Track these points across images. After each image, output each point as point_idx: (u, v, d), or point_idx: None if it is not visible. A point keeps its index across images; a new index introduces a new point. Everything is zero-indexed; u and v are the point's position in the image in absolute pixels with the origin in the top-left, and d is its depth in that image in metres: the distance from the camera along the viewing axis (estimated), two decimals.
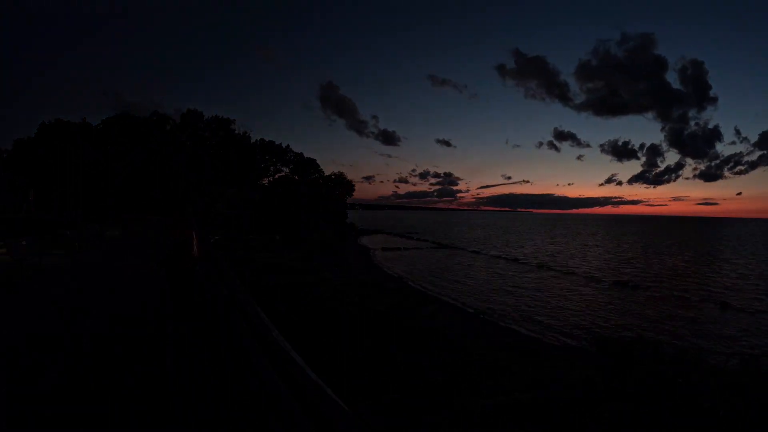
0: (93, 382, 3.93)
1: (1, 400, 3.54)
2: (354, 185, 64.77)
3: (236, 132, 56.40)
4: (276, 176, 58.80)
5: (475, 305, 18.19)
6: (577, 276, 28.06)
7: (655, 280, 26.47)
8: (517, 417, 5.57)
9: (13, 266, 10.02)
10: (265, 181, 58.38)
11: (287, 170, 60.28)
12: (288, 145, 60.37)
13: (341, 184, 63.25)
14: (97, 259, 13.40)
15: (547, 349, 12.03)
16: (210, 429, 3.04)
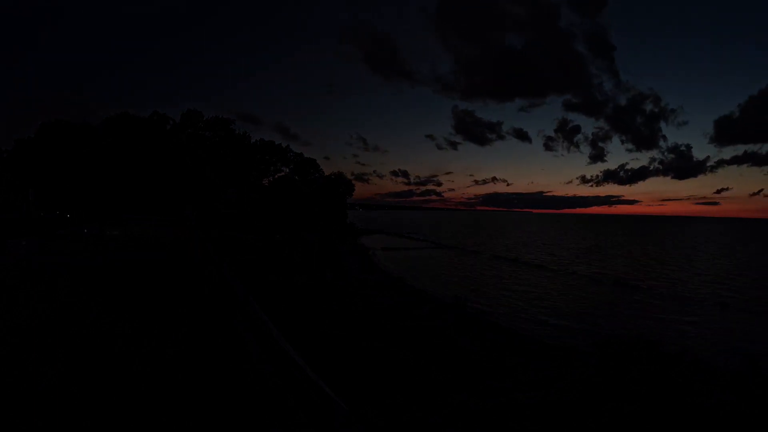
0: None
1: None
2: (354, 185, 64.84)
3: (236, 132, 56.43)
4: (276, 176, 58.83)
5: (475, 305, 18.18)
6: (577, 276, 28.08)
7: (655, 279, 26.47)
8: (517, 417, 5.57)
9: (12, 266, 10.01)
10: (266, 181, 58.40)
11: (287, 170, 60.31)
12: (288, 145, 60.45)
13: (341, 183, 63.31)
14: (96, 262, 13.39)
15: (547, 349, 12.03)
16: (210, 428, 3.03)
